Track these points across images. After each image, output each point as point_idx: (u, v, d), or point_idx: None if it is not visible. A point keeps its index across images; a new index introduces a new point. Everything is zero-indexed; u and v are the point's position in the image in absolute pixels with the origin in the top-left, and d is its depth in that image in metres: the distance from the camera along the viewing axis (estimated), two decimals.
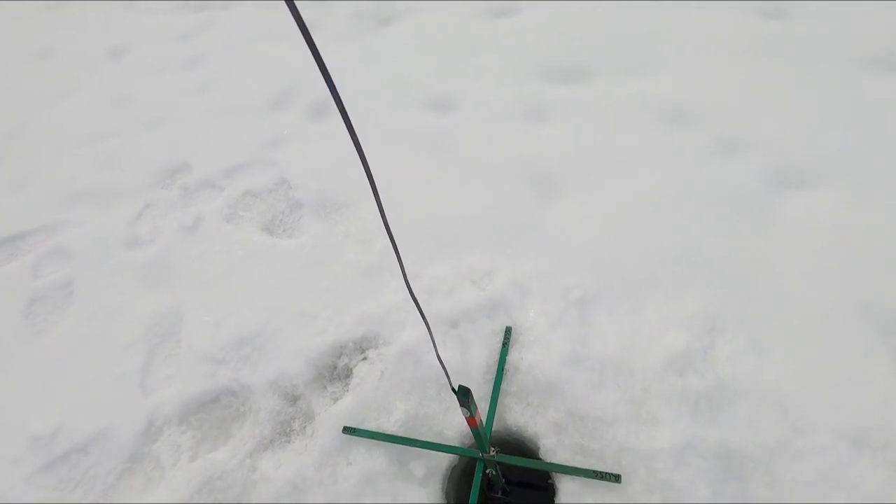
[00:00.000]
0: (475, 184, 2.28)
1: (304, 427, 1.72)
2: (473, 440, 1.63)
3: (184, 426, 1.78)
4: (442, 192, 2.28)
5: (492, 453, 1.33)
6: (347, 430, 1.59)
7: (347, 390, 1.76)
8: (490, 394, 1.63)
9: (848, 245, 1.82)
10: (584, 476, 1.42)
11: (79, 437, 1.77)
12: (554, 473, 1.49)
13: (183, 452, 1.72)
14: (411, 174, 2.38)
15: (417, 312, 1.87)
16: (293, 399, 1.79)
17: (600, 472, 1.41)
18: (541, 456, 1.52)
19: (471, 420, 1.04)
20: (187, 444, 1.74)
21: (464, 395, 0.94)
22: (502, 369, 1.65)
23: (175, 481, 1.64)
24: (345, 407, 1.67)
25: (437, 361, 1.72)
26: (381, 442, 1.57)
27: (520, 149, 2.39)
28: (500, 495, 1.75)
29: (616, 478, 1.40)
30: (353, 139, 0.60)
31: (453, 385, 0.95)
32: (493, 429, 1.60)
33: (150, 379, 1.90)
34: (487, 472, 1.48)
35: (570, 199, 2.15)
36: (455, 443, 1.59)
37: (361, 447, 1.58)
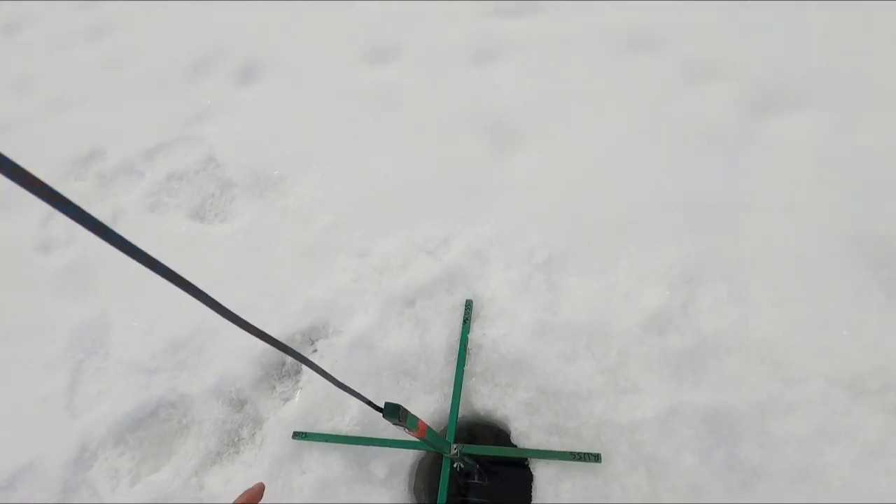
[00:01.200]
0: (426, 141, 2.04)
1: (254, 435, 1.55)
2: (439, 429, 1.48)
3: (121, 447, 1.60)
4: (390, 154, 2.04)
5: (453, 450, 1.18)
6: (298, 436, 1.42)
7: (298, 388, 1.58)
8: (453, 377, 1.46)
9: (833, 173, 1.66)
10: (561, 459, 1.28)
11: (3, 472, 1.57)
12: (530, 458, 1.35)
13: (122, 477, 1.55)
14: (355, 137, 2.12)
15: (368, 294, 1.68)
16: (239, 404, 1.61)
17: (578, 453, 1.27)
18: (513, 440, 1.38)
19: (416, 433, 0.86)
20: (126, 466, 1.56)
21: (392, 414, 0.76)
22: (464, 349, 1.49)
23: None
24: (294, 409, 1.50)
25: (394, 346, 1.55)
26: (336, 444, 1.41)
27: (472, 96, 2.14)
28: (476, 480, 1.62)
29: (596, 457, 1.27)
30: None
31: (377, 404, 0.77)
32: (461, 414, 1.45)
33: (78, 398, 1.70)
34: (455, 465, 1.33)
35: (530, 148, 1.94)
36: None
37: (315, 452, 1.42)
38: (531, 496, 1.34)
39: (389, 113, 2.17)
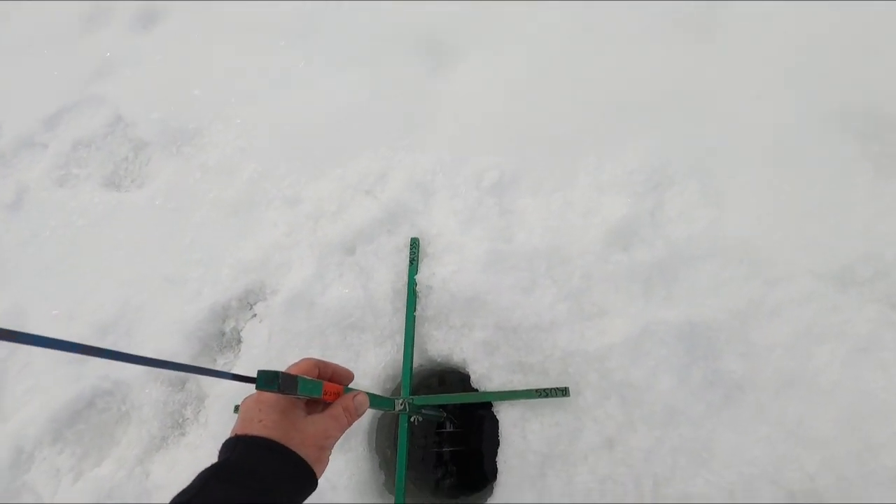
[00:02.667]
0: (353, 68, 1.79)
1: (198, 413, 1.42)
2: (398, 382, 1.35)
3: (59, 444, 1.47)
4: (315, 87, 1.79)
5: (399, 406, 1.04)
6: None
7: (239, 358, 1.44)
8: (403, 326, 1.32)
9: (809, 45, 1.45)
10: (526, 398, 1.16)
11: None
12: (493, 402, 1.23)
13: (63, 475, 1.42)
14: (275, 73, 1.86)
15: (304, 246, 1.50)
16: (180, 383, 1.46)
17: (543, 390, 1.15)
18: (473, 385, 1.25)
19: (323, 400, 0.71)
20: (67, 464, 1.44)
21: (269, 384, 0.60)
22: (413, 292, 1.33)
23: None
24: (234, 382, 1.35)
25: (336, 300, 1.39)
26: None
27: (400, 10, 1.86)
28: (450, 429, 1.52)
29: (563, 392, 1.14)
30: None
31: (245, 375, 0.62)
32: (418, 363, 1.31)
33: (6, 399, 1.55)
34: (413, 419, 1.20)
35: (469, 60, 1.70)
36: (374, 391, 1.31)
37: None
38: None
39: (311, 40, 1.90)
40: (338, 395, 0.75)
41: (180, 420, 1.43)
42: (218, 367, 1.47)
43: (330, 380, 0.74)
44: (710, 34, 1.53)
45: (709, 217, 1.27)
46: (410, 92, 1.67)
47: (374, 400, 0.93)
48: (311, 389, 0.67)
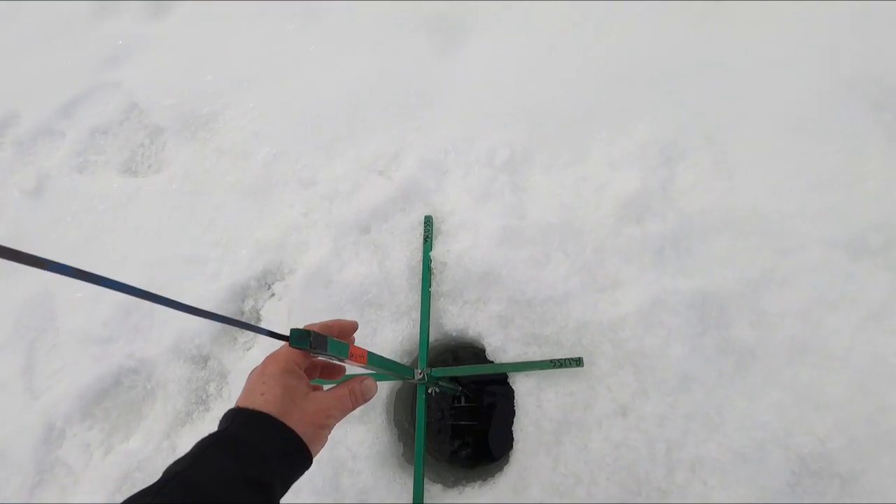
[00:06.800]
0: (361, 49, 1.80)
1: (221, 389, 1.46)
2: (415, 356, 1.38)
3: (88, 421, 1.52)
4: (324, 70, 1.81)
5: (419, 376, 1.08)
6: None
7: (259, 335, 1.47)
8: (419, 302, 1.34)
9: (820, 13, 1.44)
10: (541, 368, 1.19)
11: None
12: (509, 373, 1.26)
13: (94, 450, 1.48)
14: (284, 57, 1.88)
15: (320, 226, 1.53)
16: (202, 360, 1.51)
17: (557, 361, 1.17)
18: (488, 357, 1.28)
19: (355, 361, 0.74)
20: (97, 439, 1.49)
21: (301, 342, 0.63)
22: (428, 269, 1.35)
23: (91, 483, 1.41)
24: (256, 357, 1.40)
25: (353, 277, 1.42)
26: None
27: None
28: (463, 403, 1.56)
29: (577, 362, 1.17)
30: None
31: (279, 333, 0.65)
32: (434, 337, 1.34)
33: (36, 379, 1.60)
34: (430, 391, 1.24)
35: (477, 38, 1.70)
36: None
37: None
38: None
39: (319, 24, 1.90)
40: (363, 357, 0.78)
41: (204, 396, 1.48)
42: (238, 345, 1.51)
43: (338, 336, 0.71)
44: (718, 6, 1.53)
45: (721, 188, 1.28)
46: (420, 72, 1.68)
47: (396, 368, 0.97)
48: (339, 350, 0.70)
